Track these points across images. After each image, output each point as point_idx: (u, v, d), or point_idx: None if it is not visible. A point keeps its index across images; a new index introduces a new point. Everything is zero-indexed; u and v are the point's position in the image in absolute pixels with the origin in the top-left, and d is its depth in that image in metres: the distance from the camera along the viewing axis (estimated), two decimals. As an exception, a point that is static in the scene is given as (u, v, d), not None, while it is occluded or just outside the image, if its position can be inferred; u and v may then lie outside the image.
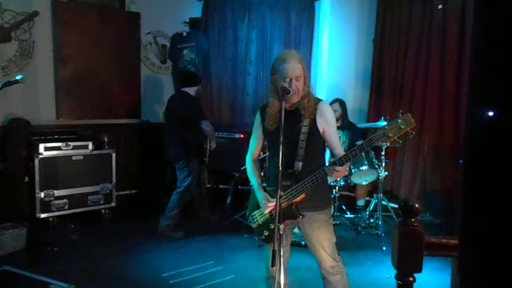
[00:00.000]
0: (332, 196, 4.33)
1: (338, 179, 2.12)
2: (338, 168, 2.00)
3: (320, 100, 2.26)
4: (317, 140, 2.21)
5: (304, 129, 2.16)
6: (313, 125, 2.18)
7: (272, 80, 2.22)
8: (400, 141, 2.00)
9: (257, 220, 2.35)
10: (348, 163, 2.17)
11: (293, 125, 2.16)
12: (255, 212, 2.37)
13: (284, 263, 2.34)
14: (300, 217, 2.16)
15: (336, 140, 2.24)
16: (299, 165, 2.17)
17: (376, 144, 2.00)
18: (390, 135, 1.90)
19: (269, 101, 2.25)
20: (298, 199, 2.14)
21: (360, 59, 5.57)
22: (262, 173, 2.57)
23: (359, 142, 2.21)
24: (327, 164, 2.15)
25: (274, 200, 2.07)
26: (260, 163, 2.61)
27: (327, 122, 2.20)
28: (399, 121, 1.89)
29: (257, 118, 2.38)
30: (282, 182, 1.98)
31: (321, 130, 2.20)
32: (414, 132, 1.97)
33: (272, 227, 2.21)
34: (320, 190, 2.22)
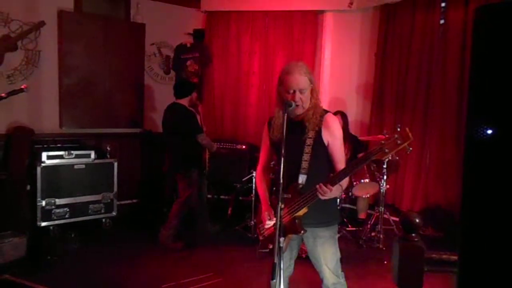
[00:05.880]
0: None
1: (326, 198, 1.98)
2: (329, 187, 1.95)
3: (327, 112, 2.21)
4: (322, 153, 2.15)
5: (309, 141, 2.10)
6: (318, 137, 2.12)
7: (278, 91, 2.17)
8: (397, 157, 1.97)
9: (264, 233, 2.31)
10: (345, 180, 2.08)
11: (297, 137, 2.11)
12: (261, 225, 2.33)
13: (286, 277, 2.28)
14: (302, 231, 2.10)
15: (339, 154, 2.17)
16: (303, 178, 2.11)
17: (373, 159, 1.96)
18: (386, 150, 1.87)
19: (276, 111, 2.21)
20: (300, 213, 2.10)
21: (362, 72, 5.60)
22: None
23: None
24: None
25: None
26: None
27: (332, 135, 2.14)
28: (396, 136, 1.85)
29: (265, 129, 2.34)
30: (284, 195, 1.92)
31: (326, 142, 2.14)
32: (411, 149, 1.90)
33: None
34: (326, 205, 2.12)
